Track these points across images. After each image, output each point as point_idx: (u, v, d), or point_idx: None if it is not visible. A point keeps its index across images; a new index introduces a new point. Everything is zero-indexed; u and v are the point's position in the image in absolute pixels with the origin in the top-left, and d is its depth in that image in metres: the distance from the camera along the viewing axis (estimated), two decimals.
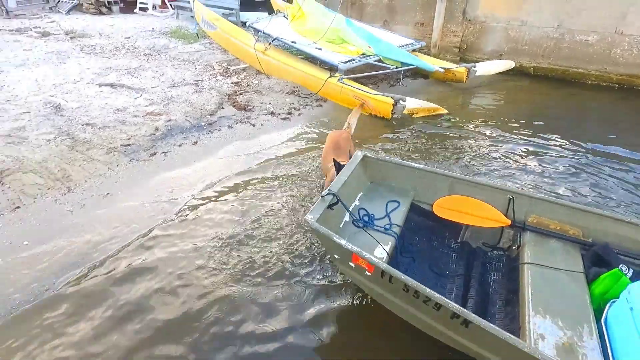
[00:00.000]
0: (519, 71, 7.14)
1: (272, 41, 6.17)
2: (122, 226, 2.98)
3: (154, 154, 3.97)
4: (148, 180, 3.61)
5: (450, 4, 7.60)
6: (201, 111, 5.02)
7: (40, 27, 9.59)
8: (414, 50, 6.64)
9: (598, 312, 1.89)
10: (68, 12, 11.94)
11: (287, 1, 9.28)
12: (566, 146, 4.49)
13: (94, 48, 7.91)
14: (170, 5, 12.25)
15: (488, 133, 4.80)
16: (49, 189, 3.32)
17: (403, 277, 1.78)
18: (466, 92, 6.44)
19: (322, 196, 2.24)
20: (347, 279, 2.44)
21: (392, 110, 4.96)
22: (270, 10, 10.20)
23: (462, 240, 2.65)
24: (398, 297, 1.96)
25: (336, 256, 2.14)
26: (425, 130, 4.79)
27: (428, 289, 1.72)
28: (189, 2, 10.87)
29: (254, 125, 4.77)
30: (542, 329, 1.81)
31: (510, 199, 2.45)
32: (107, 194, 3.33)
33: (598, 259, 2.14)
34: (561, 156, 4.26)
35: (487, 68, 6.51)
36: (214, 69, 6.94)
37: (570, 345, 1.73)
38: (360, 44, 5.91)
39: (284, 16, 6.93)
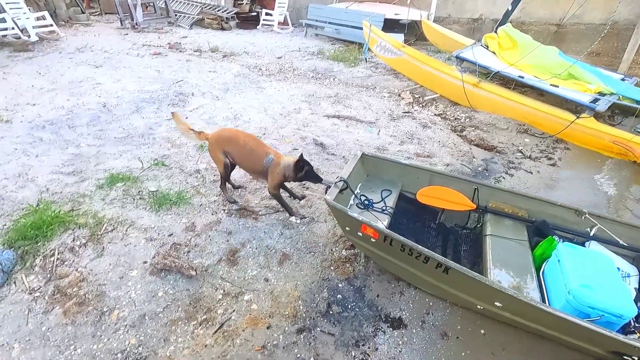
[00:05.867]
0: None
1: (494, 74, 5.86)
2: None
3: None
4: None
5: None
6: (459, 152, 4.73)
7: (180, 43, 9.64)
8: None
9: (538, 268, 2.61)
10: (190, 27, 12.10)
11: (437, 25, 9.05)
12: None
13: (260, 69, 7.83)
14: (291, 22, 12.24)
15: None
16: None
17: (402, 238, 2.30)
18: None
19: (335, 183, 2.72)
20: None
21: None
22: (409, 33, 10.06)
23: (439, 222, 3.26)
24: (396, 257, 2.48)
25: (347, 228, 2.64)
26: None
27: (420, 246, 2.24)
28: (316, 21, 10.86)
29: (530, 173, 4.42)
30: (499, 277, 2.45)
31: (475, 188, 3.06)
32: None
33: (538, 231, 2.87)
34: None
35: None
36: (402, 98, 6.70)
37: (519, 286, 2.41)
38: (596, 81, 5.52)
39: (482, 46, 6.62)
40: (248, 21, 12.90)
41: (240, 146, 3.03)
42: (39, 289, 2.39)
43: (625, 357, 2.01)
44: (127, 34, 10.81)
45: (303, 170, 2.89)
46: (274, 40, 10.50)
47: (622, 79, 6.25)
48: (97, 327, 2.20)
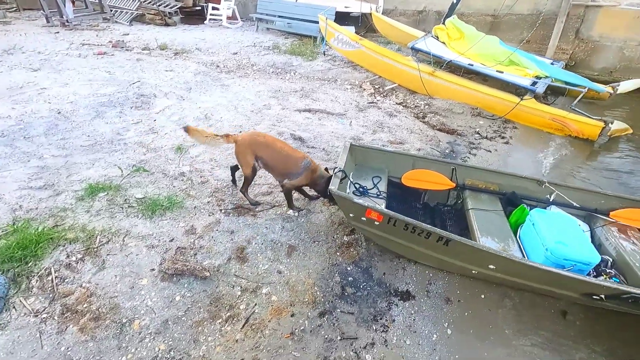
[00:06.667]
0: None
1: (447, 63, 6.33)
2: None
3: None
4: None
5: (567, 24, 8.12)
6: (427, 137, 5.10)
7: (123, 41, 9.06)
8: None
9: (515, 233, 3.04)
10: (130, 23, 11.33)
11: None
12: None
13: (218, 66, 7.65)
14: (239, 17, 11.94)
15: None
16: None
17: (406, 218, 2.53)
18: (608, 109, 6.92)
19: (335, 173, 2.94)
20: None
21: (600, 133, 5.30)
22: (358, 26, 10.36)
23: (423, 202, 3.62)
24: (398, 236, 2.73)
25: (351, 214, 2.86)
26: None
27: (422, 223, 2.51)
28: (266, 15, 10.76)
29: (490, 151, 4.92)
30: (487, 244, 2.77)
31: (453, 169, 3.41)
32: None
33: (509, 202, 3.32)
34: None
35: (627, 86, 6.99)
36: (364, 89, 6.98)
37: (504, 249, 2.77)
38: (533, 66, 6.21)
39: (433, 37, 7.08)
40: (193, 16, 12.36)
41: (276, 152, 3.08)
42: (44, 310, 2.26)
43: (594, 297, 2.43)
44: (58, 32, 9.86)
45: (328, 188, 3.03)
46: (225, 36, 10.23)
47: (552, 63, 7.07)
48: (121, 339, 2.15)
